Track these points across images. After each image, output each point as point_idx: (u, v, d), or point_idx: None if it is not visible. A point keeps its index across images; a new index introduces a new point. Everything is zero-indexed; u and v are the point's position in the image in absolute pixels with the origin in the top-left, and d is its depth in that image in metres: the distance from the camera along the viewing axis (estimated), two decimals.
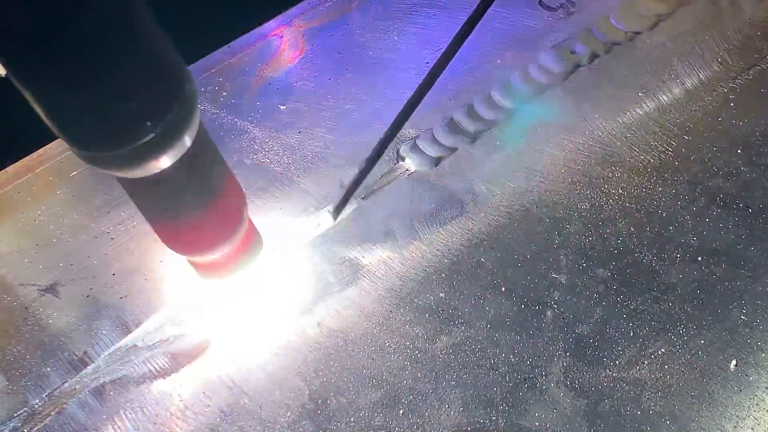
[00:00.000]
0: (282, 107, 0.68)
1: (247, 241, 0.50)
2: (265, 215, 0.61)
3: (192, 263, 0.50)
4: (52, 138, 0.67)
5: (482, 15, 0.50)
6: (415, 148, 0.65)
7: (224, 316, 0.57)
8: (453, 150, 0.65)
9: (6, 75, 0.33)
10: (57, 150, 0.66)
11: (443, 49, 0.56)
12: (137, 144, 0.34)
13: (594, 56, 0.69)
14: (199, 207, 0.43)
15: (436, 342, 0.55)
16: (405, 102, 0.53)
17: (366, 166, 0.56)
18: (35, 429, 0.52)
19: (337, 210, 0.59)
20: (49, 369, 0.55)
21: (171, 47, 0.35)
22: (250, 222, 0.49)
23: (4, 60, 0.31)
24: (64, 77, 0.31)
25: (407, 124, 0.64)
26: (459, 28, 0.51)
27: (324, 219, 0.60)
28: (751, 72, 0.67)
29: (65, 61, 0.30)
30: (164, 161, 0.37)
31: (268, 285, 0.58)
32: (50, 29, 0.29)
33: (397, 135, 0.58)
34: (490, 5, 0.50)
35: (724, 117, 0.64)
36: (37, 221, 0.62)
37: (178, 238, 0.46)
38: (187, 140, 0.37)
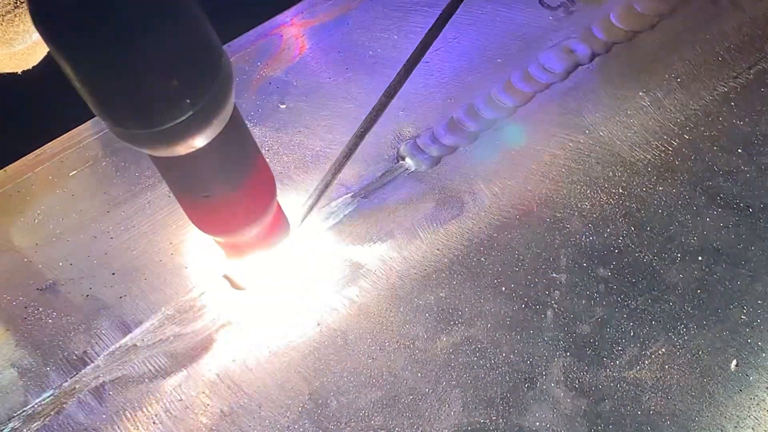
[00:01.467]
0: (282, 106, 0.68)
1: (276, 222, 0.51)
2: None
3: (219, 244, 0.51)
4: (51, 137, 0.67)
5: (448, 19, 0.51)
6: (415, 147, 0.65)
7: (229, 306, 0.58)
8: (453, 149, 0.64)
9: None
10: (56, 149, 0.66)
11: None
12: (176, 122, 0.35)
13: (594, 55, 0.69)
14: (231, 187, 0.43)
15: (436, 342, 0.55)
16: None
17: (329, 176, 0.56)
18: (35, 429, 0.52)
19: (305, 214, 0.58)
20: (48, 369, 0.55)
21: (209, 24, 0.35)
22: (278, 204, 0.50)
23: (46, 35, 0.31)
24: (109, 53, 0.31)
25: (406, 123, 0.64)
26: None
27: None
28: (751, 71, 0.67)
29: (110, 36, 0.30)
30: (200, 140, 0.37)
31: (267, 284, 0.58)
32: (95, 3, 0.29)
33: (396, 132, 0.58)
34: (455, 11, 0.50)
35: (724, 116, 0.64)
36: (36, 220, 0.62)
37: (208, 218, 0.46)
38: (223, 119, 0.38)
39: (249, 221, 0.47)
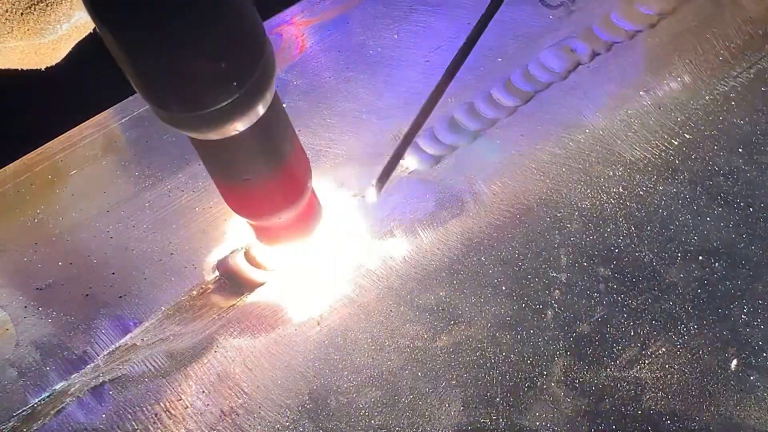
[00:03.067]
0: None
1: (310, 208, 0.52)
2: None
3: (254, 228, 0.52)
4: (51, 137, 0.67)
5: (492, 16, 0.51)
6: (415, 146, 0.65)
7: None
8: (453, 148, 0.64)
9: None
10: (56, 149, 0.66)
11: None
12: (222, 105, 0.35)
13: (595, 54, 0.69)
14: (270, 170, 0.44)
15: (436, 341, 0.55)
16: (426, 97, 0.54)
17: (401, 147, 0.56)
18: (34, 428, 0.52)
19: (380, 183, 0.58)
20: (48, 368, 0.55)
21: (255, 8, 0.35)
22: (313, 191, 0.51)
23: (97, 15, 0.31)
24: (159, 35, 0.31)
25: (406, 123, 0.64)
26: (469, 27, 0.52)
27: (369, 194, 0.59)
28: (752, 70, 0.67)
29: (160, 18, 0.31)
30: (244, 123, 0.38)
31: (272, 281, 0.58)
32: None
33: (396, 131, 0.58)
34: (500, 6, 0.50)
35: (725, 115, 0.64)
36: (36, 220, 0.62)
37: (246, 202, 0.47)
38: (266, 102, 0.38)
39: (286, 204, 0.48)
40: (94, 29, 0.50)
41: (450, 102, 0.67)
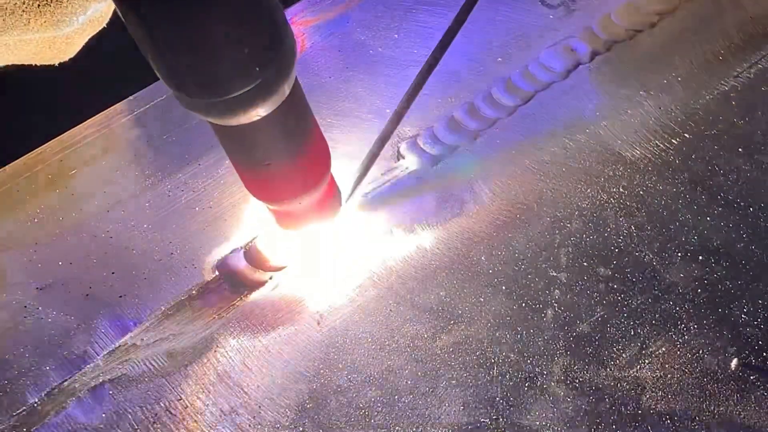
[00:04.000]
0: None
1: (330, 192, 0.52)
2: (261, 216, 0.61)
3: (274, 213, 0.52)
4: (51, 136, 0.67)
5: (468, 14, 0.52)
6: (415, 146, 0.65)
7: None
8: (453, 148, 0.64)
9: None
10: (56, 149, 0.66)
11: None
12: (245, 90, 0.36)
13: (595, 54, 0.69)
14: (291, 154, 0.45)
15: (436, 341, 0.55)
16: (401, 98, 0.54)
17: (367, 163, 0.56)
18: (34, 428, 0.52)
19: (351, 193, 0.59)
20: (48, 368, 0.55)
21: None
22: (332, 176, 0.52)
23: (121, 3, 0.32)
24: (183, 20, 0.32)
25: (406, 122, 0.64)
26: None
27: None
28: (752, 70, 0.67)
29: (184, 4, 0.31)
30: (266, 108, 0.38)
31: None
32: None
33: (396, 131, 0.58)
34: (475, 4, 0.51)
35: (725, 115, 0.64)
36: (36, 219, 0.62)
37: (267, 186, 0.47)
38: (288, 86, 0.39)
39: (307, 188, 0.48)
40: (107, 24, 0.50)
41: (450, 101, 0.67)
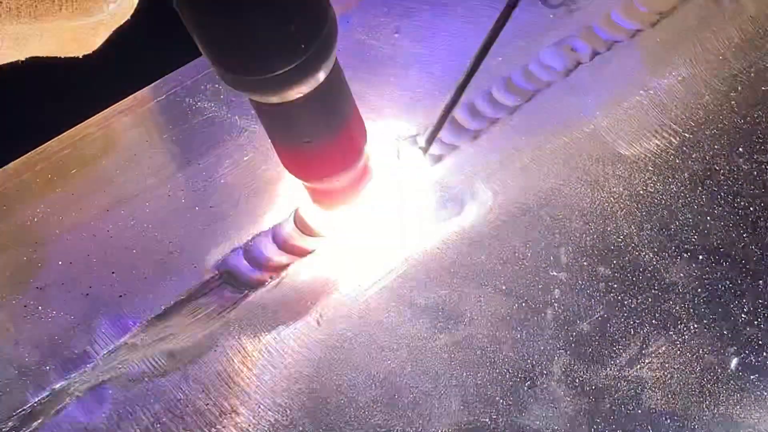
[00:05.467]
0: None
1: (365, 169, 0.53)
2: (261, 214, 0.61)
3: (310, 190, 0.53)
4: (52, 136, 0.67)
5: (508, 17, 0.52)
6: (415, 145, 0.64)
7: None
8: (454, 148, 0.64)
9: None
10: (56, 148, 0.66)
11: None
12: (291, 67, 0.36)
13: (595, 53, 0.69)
14: (331, 132, 0.45)
15: (435, 340, 0.55)
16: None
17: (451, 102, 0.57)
18: (34, 428, 0.52)
19: (428, 144, 0.59)
20: (47, 367, 0.55)
21: None
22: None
23: None
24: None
25: (406, 122, 0.64)
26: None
27: (413, 154, 0.61)
28: (752, 70, 0.66)
29: None
30: (309, 85, 0.39)
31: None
32: None
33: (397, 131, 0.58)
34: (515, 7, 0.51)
35: (725, 115, 0.64)
36: (36, 219, 0.62)
37: (306, 164, 0.48)
38: (330, 63, 0.39)
39: (346, 166, 0.49)
40: (132, 16, 0.50)
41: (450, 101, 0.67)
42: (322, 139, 0.45)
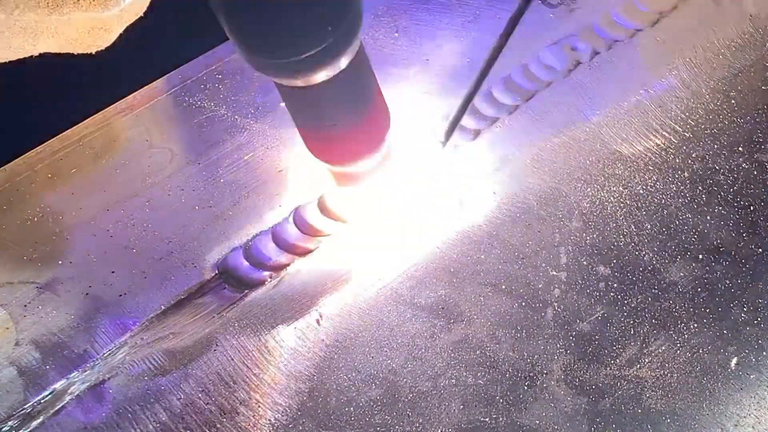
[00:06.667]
0: (282, 104, 0.68)
1: (388, 154, 0.53)
2: (261, 215, 0.61)
3: (333, 174, 0.53)
4: (51, 135, 0.67)
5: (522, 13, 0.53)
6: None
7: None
8: (454, 147, 0.64)
9: None
10: (56, 147, 0.66)
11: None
12: (318, 49, 0.36)
13: (595, 53, 0.69)
14: (356, 115, 0.45)
15: (435, 340, 0.55)
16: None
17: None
18: (34, 427, 0.52)
19: (447, 137, 0.60)
20: (48, 367, 0.55)
21: None
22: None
23: None
24: None
25: (406, 121, 0.64)
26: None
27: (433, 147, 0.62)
28: (752, 69, 0.66)
29: None
30: (335, 68, 0.39)
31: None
32: None
33: (396, 130, 0.58)
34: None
35: (725, 114, 0.64)
36: (36, 218, 0.62)
37: (331, 148, 0.48)
38: (356, 46, 0.39)
39: (369, 150, 0.49)
40: (145, 13, 0.50)
41: (450, 101, 0.67)
42: (347, 122, 0.46)
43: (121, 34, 0.50)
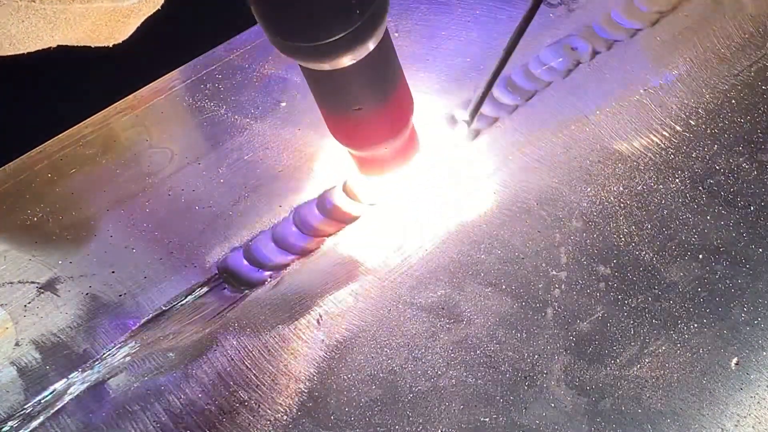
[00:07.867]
0: (282, 104, 0.68)
1: (412, 138, 0.54)
2: (260, 215, 0.61)
3: (357, 159, 0.54)
4: (51, 135, 0.67)
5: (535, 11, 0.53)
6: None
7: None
8: (454, 146, 0.64)
9: None
10: (56, 148, 0.66)
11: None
12: (346, 33, 0.37)
13: (595, 53, 0.69)
14: (381, 99, 0.46)
15: (435, 340, 0.55)
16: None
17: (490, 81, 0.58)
18: (34, 427, 0.52)
19: (472, 117, 0.60)
20: (48, 367, 0.55)
21: None
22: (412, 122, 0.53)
23: None
24: None
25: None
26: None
27: (460, 128, 0.62)
28: (752, 68, 0.66)
29: None
30: (362, 51, 0.39)
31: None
32: None
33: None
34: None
35: (725, 114, 0.64)
36: (36, 219, 0.62)
37: (355, 132, 0.48)
38: (382, 30, 0.40)
39: (393, 134, 0.50)
40: (162, 6, 0.50)
41: (451, 100, 0.67)
42: (372, 106, 0.46)
43: (137, 29, 0.50)
